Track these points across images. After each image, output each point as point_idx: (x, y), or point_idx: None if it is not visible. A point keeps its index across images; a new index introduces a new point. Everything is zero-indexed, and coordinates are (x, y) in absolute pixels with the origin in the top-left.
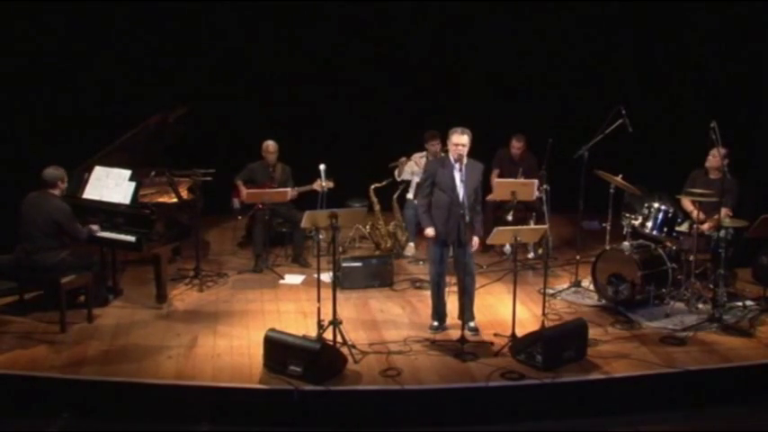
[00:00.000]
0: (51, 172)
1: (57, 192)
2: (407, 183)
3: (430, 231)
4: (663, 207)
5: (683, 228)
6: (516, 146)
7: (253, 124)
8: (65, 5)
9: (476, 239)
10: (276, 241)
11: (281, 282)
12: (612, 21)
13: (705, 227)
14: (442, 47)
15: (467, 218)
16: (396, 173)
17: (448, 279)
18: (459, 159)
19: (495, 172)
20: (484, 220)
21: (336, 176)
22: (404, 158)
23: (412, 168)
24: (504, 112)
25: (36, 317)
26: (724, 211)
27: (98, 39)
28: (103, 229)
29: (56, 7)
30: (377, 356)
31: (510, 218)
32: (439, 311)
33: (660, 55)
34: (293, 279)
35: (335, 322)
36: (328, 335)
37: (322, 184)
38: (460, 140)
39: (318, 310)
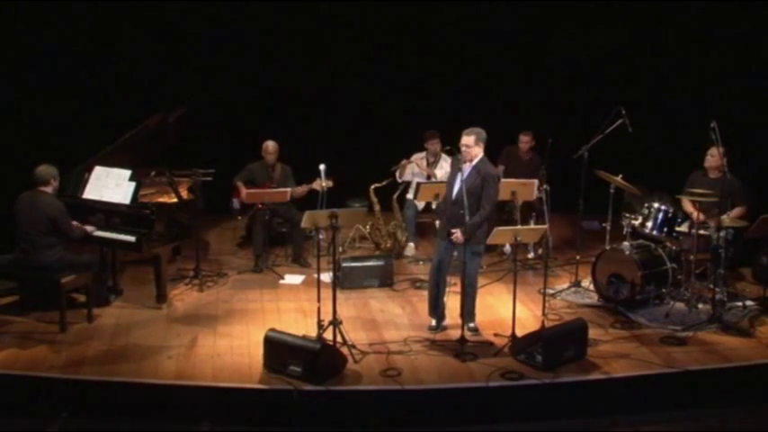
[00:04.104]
0: (44, 169)
1: (49, 189)
2: (408, 183)
3: (437, 223)
4: (663, 207)
5: (683, 228)
6: (524, 140)
7: (253, 124)
8: (64, 5)
9: (458, 233)
10: (276, 241)
11: (281, 282)
12: (612, 20)
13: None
14: (441, 47)
15: (458, 215)
16: (397, 174)
17: (454, 280)
18: (463, 159)
19: (501, 168)
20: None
21: (336, 176)
22: (405, 160)
23: (413, 169)
24: (504, 113)
25: (36, 317)
26: (738, 210)
27: (98, 39)
28: (103, 228)
29: (53, 7)
30: (377, 356)
31: (517, 218)
32: (434, 308)
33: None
34: (293, 279)
35: (335, 322)
36: (328, 335)
37: (322, 183)
38: (463, 141)
39: (318, 310)
